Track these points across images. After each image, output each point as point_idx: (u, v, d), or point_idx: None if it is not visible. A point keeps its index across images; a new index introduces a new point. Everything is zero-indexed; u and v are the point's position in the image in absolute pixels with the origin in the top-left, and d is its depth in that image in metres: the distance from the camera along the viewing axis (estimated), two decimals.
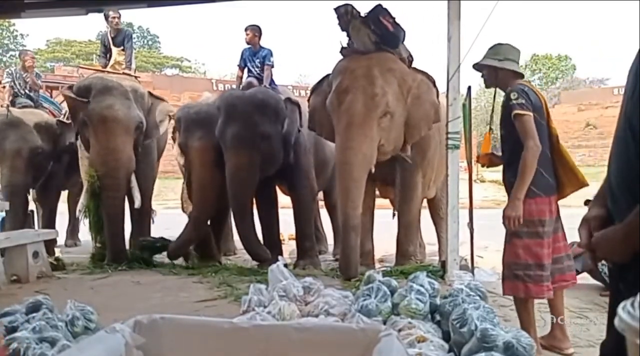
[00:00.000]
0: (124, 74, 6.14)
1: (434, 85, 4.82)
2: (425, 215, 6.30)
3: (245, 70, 6.01)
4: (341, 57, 4.94)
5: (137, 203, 5.75)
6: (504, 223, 2.80)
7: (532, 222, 2.76)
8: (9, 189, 6.08)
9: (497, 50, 3.03)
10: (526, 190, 2.73)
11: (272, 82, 5.90)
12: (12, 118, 6.13)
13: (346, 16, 4.78)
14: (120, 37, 6.41)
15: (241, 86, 5.87)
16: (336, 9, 4.83)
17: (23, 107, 6.45)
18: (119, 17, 6.40)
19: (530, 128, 2.74)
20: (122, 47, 6.33)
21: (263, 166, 5.31)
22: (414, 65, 5.01)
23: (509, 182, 2.87)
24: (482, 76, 3.09)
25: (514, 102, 2.76)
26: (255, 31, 5.97)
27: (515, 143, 2.80)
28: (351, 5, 4.79)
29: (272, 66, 5.92)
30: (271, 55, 5.94)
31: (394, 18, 4.75)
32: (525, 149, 2.72)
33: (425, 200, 6.15)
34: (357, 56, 4.76)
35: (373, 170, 4.61)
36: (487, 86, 3.14)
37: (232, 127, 5.22)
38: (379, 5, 4.73)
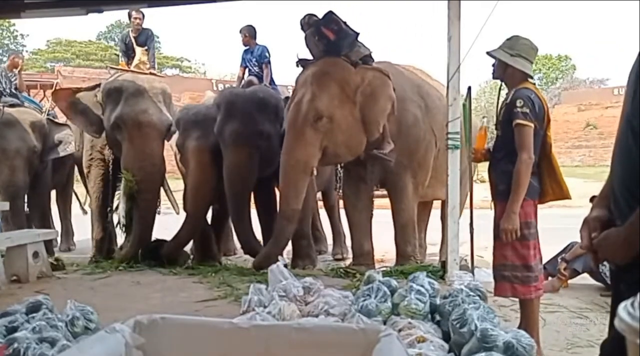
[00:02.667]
0: (150, 74, 6.14)
1: (390, 79, 4.74)
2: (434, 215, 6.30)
3: (247, 70, 6.05)
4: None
5: (177, 210, 5.89)
6: (500, 235, 2.82)
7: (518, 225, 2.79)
8: (12, 190, 6.06)
9: (513, 43, 2.93)
10: (521, 201, 2.76)
11: (272, 81, 5.91)
12: (8, 118, 6.11)
13: (306, 26, 4.88)
14: (143, 37, 6.42)
15: (241, 84, 5.89)
16: (301, 20, 4.92)
17: (11, 105, 6.40)
18: (142, 18, 6.38)
19: (528, 141, 2.74)
20: (145, 47, 6.33)
21: (262, 165, 5.30)
22: (416, 64, 5.06)
23: (494, 183, 2.93)
24: (493, 65, 3.02)
25: (519, 110, 2.74)
26: (247, 32, 6.02)
27: (508, 147, 2.82)
28: (311, 15, 4.84)
29: (269, 62, 5.93)
30: (266, 51, 5.94)
31: (339, 25, 4.76)
32: (518, 161, 2.74)
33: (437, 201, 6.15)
34: (308, 66, 4.88)
35: (315, 173, 4.78)
36: (494, 77, 3.09)
37: (231, 124, 5.22)
38: (328, 13, 4.78)
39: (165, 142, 6.48)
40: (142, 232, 5.68)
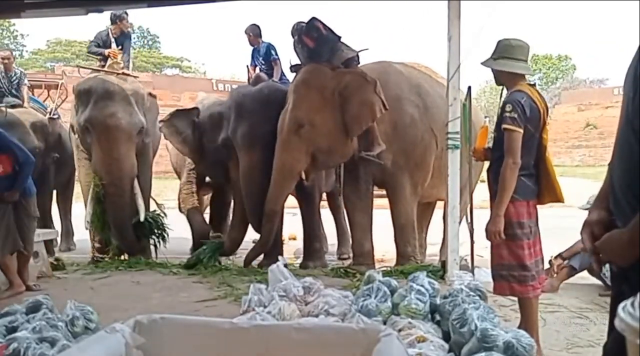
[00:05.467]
0: (123, 73, 6.09)
1: (368, 81, 4.74)
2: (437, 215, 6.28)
3: (257, 69, 6.09)
4: None
5: (142, 216, 5.71)
6: (486, 237, 2.86)
7: (510, 224, 2.82)
8: None
9: (497, 47, 2.95)
10: (506, 205, 2.78)
11: (282, 76, 5.91)
12: (9, 118, 6.06)
13: (294, 34, 5.01)
14: (122, 38, 6.39)
15: (250, 81, 5.91)
16: (292, 28, 5.06)
17: (12, 106, 6.33)
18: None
19: (515, 145, 2.76)
20: (120, 47, 6.30)
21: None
22: (420, 63, 5.16)
23: (490, 184, 2.96)
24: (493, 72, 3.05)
25: (507, 115, 2.78)
26: (251, 31, 6.07)
27: (502, 149, 2.84)
28: (299, 22, 4.95)
29: (277, 58, 5.93)
30: (272, 48, 5.95)
31: (320, 31, 4.83)
32: (503, 165, 2.78)
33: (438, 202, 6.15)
34: (298, 72, 5.01)
35: (304, 176, 4.93)
36: (496, 83, 3.14)
37: (241, 127, 5.23)
38: (311, 20, 4.88)
39: (163, 141, 6.46)
40: (121, 234, 5.67)
